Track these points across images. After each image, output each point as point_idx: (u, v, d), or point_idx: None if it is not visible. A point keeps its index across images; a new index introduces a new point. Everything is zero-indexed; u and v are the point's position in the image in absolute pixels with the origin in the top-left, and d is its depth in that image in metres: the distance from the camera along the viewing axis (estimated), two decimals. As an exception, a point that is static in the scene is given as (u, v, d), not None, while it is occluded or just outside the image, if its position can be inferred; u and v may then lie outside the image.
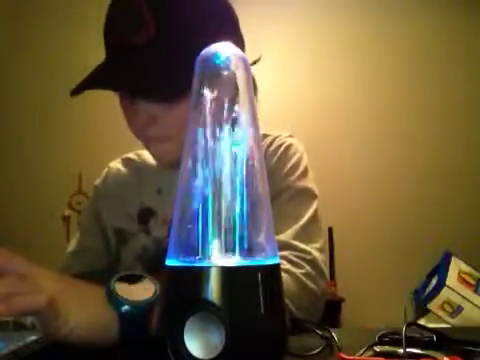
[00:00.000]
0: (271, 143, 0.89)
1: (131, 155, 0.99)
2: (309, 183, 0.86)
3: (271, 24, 2.76)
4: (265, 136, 0.91)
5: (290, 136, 0.91)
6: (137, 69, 0.71)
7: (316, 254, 0.78)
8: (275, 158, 0.87)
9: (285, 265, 0.73)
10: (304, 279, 0.74)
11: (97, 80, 0.74)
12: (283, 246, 0.76)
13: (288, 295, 0.67)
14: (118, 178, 0.96)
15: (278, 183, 0.84)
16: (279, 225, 0.79)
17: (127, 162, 0.98)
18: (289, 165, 0.86)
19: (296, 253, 0.76)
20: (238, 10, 0.84)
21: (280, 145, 0.88)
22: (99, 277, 0.90)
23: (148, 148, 0.83)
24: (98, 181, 0.98)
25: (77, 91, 0.74)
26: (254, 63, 0.84)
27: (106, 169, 0.99)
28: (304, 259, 0.76)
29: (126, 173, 0.97)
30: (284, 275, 0.71)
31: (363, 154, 2.78)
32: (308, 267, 0.75)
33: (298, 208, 0.83)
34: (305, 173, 0.87)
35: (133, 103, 0.76)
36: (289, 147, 0.88)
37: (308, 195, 0.85)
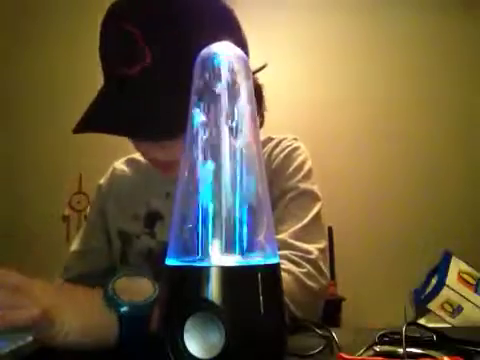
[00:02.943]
0: (276, 145, 0.90)
1: (136, 156, 0.98)
2: (313, 185, 0.87)
3: (268, 25, 2.76)
4: (270, 139, 0.92)
5: (295, 139, 0.92)
6: (135, 109, 0.69)
7: (317, 253, 0.78)
8: (280, 160, 0.88)
9: (286, 264, 0.73)
10: (304, 278, 0.74)
11: (97, 123, 0.72)
12: (284, 245, 0.76)
13: (288, 294, 0.67)
14: (124, 179, 0.96)
15: (282, 184, 0.85)
16: (281, 225, 0.80)
17: (132, 163, 0.98)
18: (293, 167, 0.87)
19: (297, 253, 0.76)
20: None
21: (285, 147, 0.89)
22: (101, 277, 0.91)
23: (158, 171, 0.81)
24: (102, 180, 0.98)
25: (78, 131, 0.73)
26: (258, 70, 0.84)
27: (111, 169, 0.99)
28: (305, 258, 0.76)
29: (132, 174, 0.96)
30: (284, 274, 0.71)
31: (363, 154, 2.78)
32: (309, 266, 0.75)
33: (301, 209, 0.83)
34: (309, 175, 0.88)
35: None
36: (294, 150, 0.89)
37: (311, 197, 0.86)
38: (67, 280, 0.91)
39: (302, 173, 0.87)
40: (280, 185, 0.84)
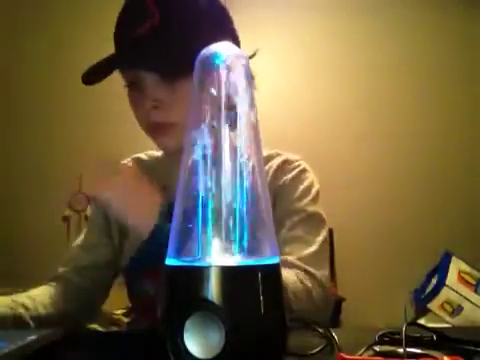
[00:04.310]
0: (284, 163, 0.91)
1: (141, 155, 1.02)
2: (320, 208, 0.89)
3: (270, 25, 2.76)
4: (278, 154, 0.93)
5: (301, 160, 0.94)
6: (143, 49, 0.78)
7: (324, 280, 0.82)
8: (288, 180, 0.89)
9: (299, 277, 0.77)
10: (313, 293, 0.77)
11: (104, 62, 0.80)
12: (293, 266, 0.80)
13: (295, 299, 0.71)
14: None
15: (289, 205, 0.87)
16: (290, 247, 0.82)
17: (136, 161, 1.01)
18: (301, 189, 0.89)
19: (306, 275, 0.79)
20: (237, 11, 0.86)
21: (294, 168, 0.91)
22: (103, 269, 0.94)
23: (154, 138, 0.86)
24: None
25: (87, 79, 0.81)
26: (250, 58, 0.87)
27: None
28: (313, 281, 0.79)
29: None
30: (296, 280, 0.75)
31: (363, 154, 2.78)
32: (317, 288, 0.79)
33: (310, 233, 0.85)
34: (316, 199, 0.90)
35: (141, 91, 0.81)
36: (303, 171, 0.91)
37: (319, 220, 0.88)
38: (68, 272, 0.93)
39: (310, 196, 0.89)
40: (287, 206, 0.86)
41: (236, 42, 0.85)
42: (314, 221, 0.87)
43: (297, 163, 0.92)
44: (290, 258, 0.80)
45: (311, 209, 0.87)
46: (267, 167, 0.91)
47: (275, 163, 0.91)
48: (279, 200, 0.86)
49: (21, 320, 0.78)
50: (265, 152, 0.93)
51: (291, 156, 0.94)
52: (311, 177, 0.91)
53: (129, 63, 0.81)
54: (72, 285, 0.91)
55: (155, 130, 0.84)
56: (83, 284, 0.92)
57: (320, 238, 0.85)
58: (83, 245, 0.96)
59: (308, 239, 0.84)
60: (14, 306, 0.79)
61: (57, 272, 0.93)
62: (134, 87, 0.84)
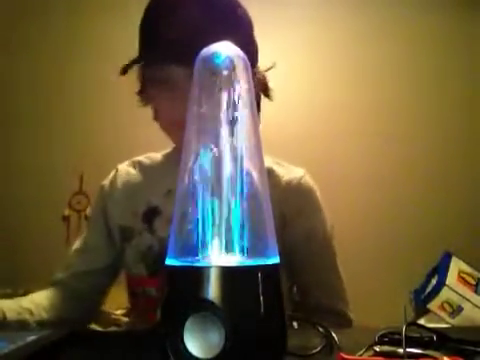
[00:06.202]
0: (291, 179, 0.91)
1: (141, 158, 1.01)
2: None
3: (270, 25, 2.76)
4: (279, 165, 0.94)
5: (304, 175, 0.94)
6: (181, 49, 0.77)
7: (351, 316, 0.97)
8: (300, 197, 0.91)
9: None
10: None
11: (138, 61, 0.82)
12: (329, 311, 0.92)
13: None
14: (126, 178, 0.98)
15: (306, 222, 0.91)
16: (314, 267, 0.93)
17: (136, 164, 1.00)
18: (315, 206, 0.92)
19: (340, 320, 0.92)
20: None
21: (302, 183, 0.92)
22: (101, 275, 0.94)
23: (177, 135, 0.85)
24: (105, 181, 1.00)
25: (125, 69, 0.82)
26: (267, 70, 0.91)
27: (114, 171, 1.00)
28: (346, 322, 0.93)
29: (135, 174, 0.98)
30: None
31: (364, 154, 2.78)
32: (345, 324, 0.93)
33: (330, 254, 0.95)
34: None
35: (171, 88, 0.81)
36: (312, 187, 0.93)
37: (332, 237, 0.94)
38: (67, 277, 0.92)
39: (325, 214, 0.93)
40: (304, 223, 0.90)
41: (256, 56, 0.87)
42: (330, 241, 0.94)
43: (305, 178, 0.92)
44: (340, 307, 0.94)
45: (328, 226, 0.93)
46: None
47: (281, 178, 0.91)
48: (291, 217, 0.88)
49: (26, 325, 0.79)
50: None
51: (297, 171, 0.93)
52: (317, 191, 0.93)
53: (166, 60, 0.81)
54: (71, 291, 0.91)
55: (181, 127, 0.84)
56: (82, 289, 0.91)
57: (337, 260, 0.97)
58: (82, 249, 0.95)
59: (332, 265, 0.96)
60: (21, 311, 0.80)
61: (56, 277, 0.93)
62: (161, 84, 0.83)
